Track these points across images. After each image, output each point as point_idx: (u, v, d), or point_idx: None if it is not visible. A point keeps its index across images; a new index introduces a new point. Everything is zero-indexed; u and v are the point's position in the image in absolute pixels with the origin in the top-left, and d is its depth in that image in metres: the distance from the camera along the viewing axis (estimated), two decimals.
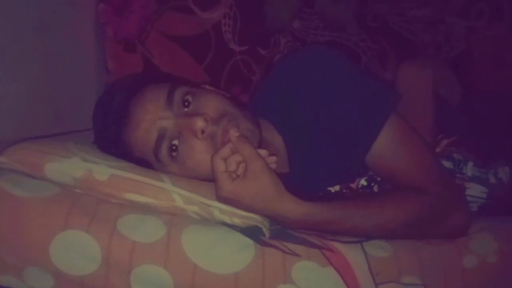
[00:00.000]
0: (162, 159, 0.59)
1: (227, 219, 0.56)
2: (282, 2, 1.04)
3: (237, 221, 0.56)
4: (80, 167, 0.55)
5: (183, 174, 0.60)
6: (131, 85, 0.62)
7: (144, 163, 0.60)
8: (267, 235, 0.56)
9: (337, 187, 0.68)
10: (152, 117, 0.58)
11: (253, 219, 0.56)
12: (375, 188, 0.68)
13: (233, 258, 0.53)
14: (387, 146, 0.59)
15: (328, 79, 0.60)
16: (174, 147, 0.58)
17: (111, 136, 0.60)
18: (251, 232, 0.55)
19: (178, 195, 0.55)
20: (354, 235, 0.58)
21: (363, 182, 0.68)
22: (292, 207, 0.54)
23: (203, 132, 0.57)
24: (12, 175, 0.55)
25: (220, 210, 0.55)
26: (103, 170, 0.55)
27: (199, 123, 0.56)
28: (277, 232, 0.57)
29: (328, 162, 0.64)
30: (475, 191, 0.69)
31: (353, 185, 0.68)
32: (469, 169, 0.69)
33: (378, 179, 0.67)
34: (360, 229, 0.57)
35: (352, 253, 0.55)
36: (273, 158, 0.56)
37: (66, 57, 0.92)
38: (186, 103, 0.59)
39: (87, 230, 0.51)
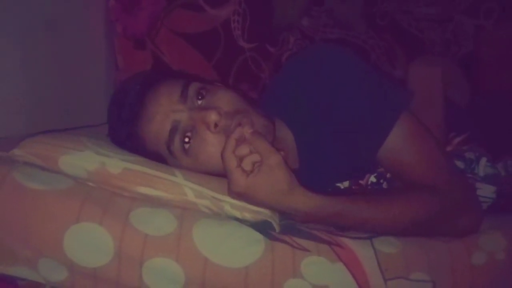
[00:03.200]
0: (175, 152, 0.59)
1: (237, 214, 0.56)
2: (289, 1, 1.04)
3: (247, 215, 0.56)
4: (93, 160, 0.55)
5: (196, 168, 0.60)
6: (145, 81, 0.62)
7: (157, 157, 0.60)
8: (277, 229, 0.56)
9: (346, 184, 0.68)
10: (166, 110, 0.59)
11: (264, 213, 0.56)
12: (384, 185, 0.68)
13: (243, 252, 0.53)
14: (398, 143, 0.59)
15: (338, 76, 0.60)
16: (186, 140, 0.59)
17: (125, 130, 0.61)
18: (261, 227, 0.56)
19: (189, 189, 0.56)
20: (363, 230, 0.58)
21: (372, 178, 0.68)
22: (304, 200, 0.54)
23: (216, 125, 0.57)
24: (27, 168, 0.55)
25: (231, 205, 0.56)
26: (116, 164, 0.56)
27: (213, 116, 0.57)
28: (287, 227, 0.58)
29: (338, 158, 0.64)
30: (486, 192, 0.69)
31: (362, 182, 0.68)
32: (482, 168, 0.69)
33: (388, 175, 0.67)
34: (370, 224, 0.57)
35: (361, 249, 0.56)
36: (281, 153, 0.56)
37: (76, 54, 0.93)
38: (200, 97, 0.60)
39: (100, 222, 0.52)
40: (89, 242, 0.52)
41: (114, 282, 0.52)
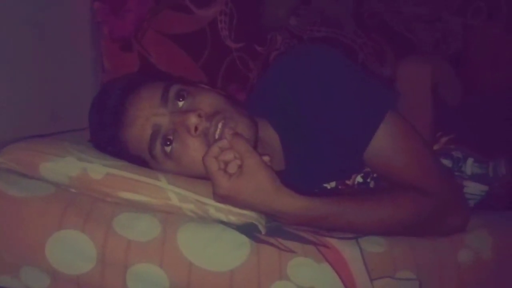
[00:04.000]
0: (157, 156, 0.59)
1: (223, 217, 0.56)
2: (279, 2, 1.04)
3: (233, 218, 0.56)
4: (75, 166, 0.55)
5: (179, 171, 0.60)
6: (127, 84, 0.62)
7: (140, 161, 0.60)
8: (263, 232, 0.56)
9: (333, 184, 0.68)
10: (147, 114, 0.58)
11: (249, 216, 0.56)
12: (371, 184, 0.68)
13: (229, 256, 0.53)
14: (385, 144, 0.59)
15: (324, 77, 0.60)
16: (168, 143, 0.58)
17: (107, 134, 0.61)
18: (246, 230, 0.55)
19: (173, 193, 0.55)
20: (349, 231, 0.58)
21: (359, 178, 0.68)
22: (290, 202, 0.54)
23: (196, 128, 0.57)
24: (8, 175, 0.55)
25: (216, 208, 0.56)
26: (98, 169, 0.55)
27: (192, 119, 0.56)
28: (272, 229, 0.57)
29: (324, 159, 0.64)
30: (474, 189, 0.69)
31: (349, 182, 0.68)
32: (469, 167, 0.69)
33: (374, 175, 0.67)
34: (356, 225, 0.57)
35: (347, 249, 0.55)
36: (266, 158, 0.56)
37: (62, 56, 0.92)
38: (181, 99, 0.59)
39: (82, 229, 0.51)
40: (71, 249, 0.51)
41: None
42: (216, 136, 0.57)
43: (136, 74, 0.72)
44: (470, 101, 0.77)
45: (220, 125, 0.57)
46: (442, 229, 0.59)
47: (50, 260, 0.51)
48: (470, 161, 0.69)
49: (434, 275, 0.56)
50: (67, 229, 0.51)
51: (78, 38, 1.00)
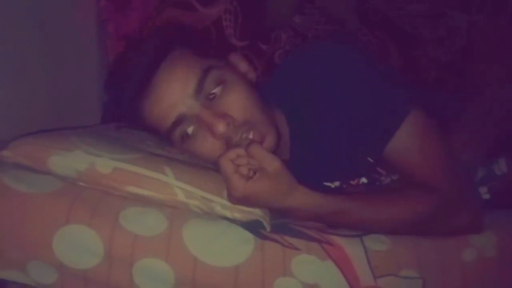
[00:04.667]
0: (173, 139, 0.60)
1: (228, 214, 0.56)
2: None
3: (238, 215, 0.56)
4: (83, 160, 0.55)
5: (188, 154, 0.61)
6: (159, 54, 0.58)
7: (153, 132, 0.60)
8: (268, 229, 0.57)
9: (337, 183, 0.68)
10: (176, 99, 0.57)
11: (255, 213, 0.56)
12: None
13: (234, 252, 0.54)
14: (404, 142, 0.58)
15: (344, 73, 0.59)
16: (187, 135, 0.59)
17: (126, 101, 0.58)
18: (251, 226, 0.56)
19: (180, 189, 0.56)
20: (359, 228, 0.58)
21: (363, 180, 0.68)
22: (305, 198, 0.54)
23: (220, 134, 0.57)
24: (16, 170, 0.55)
25: (222, 205, 0.56)
26: (106, 163, 0.55)
27: (221, 128, 0.56)
28: (277, 226, 0.58)
29: (333, 157, 0.63)
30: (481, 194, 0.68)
31: (353, 182, 0.68)
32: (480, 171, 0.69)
33: (382, 179, 0.67)
34: (367, 222, 0.57)
35: (351, 247, 0.56)
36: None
37: (68, 54, 0.92)
38: (215, 87, 0.58)
39: (89, 224, 0.52)
40: (78, 244, 0.52)
41: (104, 283, 0.52)
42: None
43: (168, 39, 0.61)
44: (474, 99, 0.77)
45: (244, 136, 0.58)
46: (453, 229, 0.58)
47: (58, 255, 0.52)
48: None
49: (438, 274, 0.57)
50: (74, 224, 0.52)
51: (84, 36, 1.01)
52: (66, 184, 0.55)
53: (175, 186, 0.56)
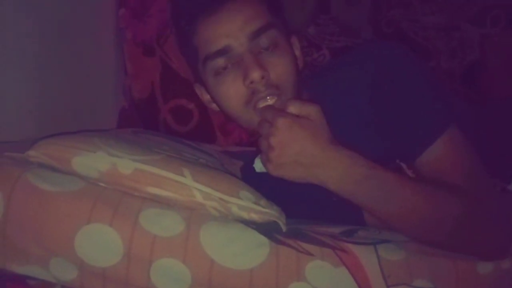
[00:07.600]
0: (207, 67, 0.61)
1: (245, 215, 0.57)
2: (297, 7, 1.05)
3: (254, 216, 0.57)
4: (105, 161, 0.57)
5: (207, 99, 0.65)
6: None
7: (190, 55, 0.63)
8: (284, 229, 0.57)
9: None
10: (233, 31, 0.59)
11: (271, 214, 0.57)
12: None
13: (249, 255, 0.54)
14: (441, 152, 0.57)
15: (409, 72, 0.60)
16: (220, 72, 0.60)
17: (185, 15, 0.62)
18: (267, 229, 0.57)
19: (197, 191, 0.57)
20: (382, 212, 0.55)
21: None
22: (342, 149, 0.54)
23: (251, 82, 0.58)
24: (40, 170, 0.57)
25: (239, 207, 0.57)
26: (127, 164, 0.57)
27: (255, 75, 0.57)
28: (291, 231, 0.59)
29: (360, 148, 0.60)
30: None
31: None
32: None
33: None
34: (391, 203, 0.54)
35: (365, 255, 0.56)
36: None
37: (87, 59, 0.95)
38: (266, 47, 0.60)
39: (110, 223, 0.53)
40: (99, 243, 0.53)
41: (122, 282, 0.53)
42: (259, 103, 0.59)
43: None
44: (488, 112, 0.77)
45: (269, 98, 0.59)
46: (477, 249, 0.57)
47: (79, 253, 0.53)
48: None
49: (452, 285, 0.56)
50: (95, 223, 0.53)
51: (102, 42, 1.03)
52: (88, 184, 0.57)
53: (193, 187, 0.57)
